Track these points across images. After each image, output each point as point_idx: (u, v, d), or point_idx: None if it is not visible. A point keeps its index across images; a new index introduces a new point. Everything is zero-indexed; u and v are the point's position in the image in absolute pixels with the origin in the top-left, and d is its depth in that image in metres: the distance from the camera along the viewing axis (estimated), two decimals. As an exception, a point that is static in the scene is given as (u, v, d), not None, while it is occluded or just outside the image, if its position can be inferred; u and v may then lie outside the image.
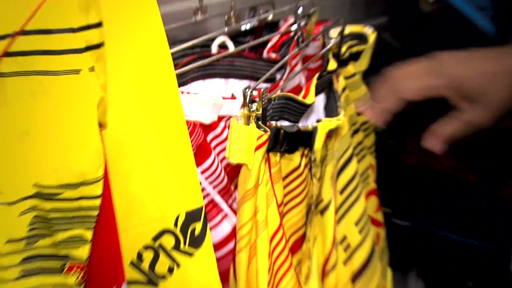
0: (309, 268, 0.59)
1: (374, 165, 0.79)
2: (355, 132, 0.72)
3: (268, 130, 0.46)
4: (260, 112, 0.45)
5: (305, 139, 0.54)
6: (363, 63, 0.70)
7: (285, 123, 0.55)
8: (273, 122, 0.52)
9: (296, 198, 0.56)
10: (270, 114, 0.52)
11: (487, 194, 0.94)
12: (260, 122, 0.46)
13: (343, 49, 0.66)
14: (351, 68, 0.68)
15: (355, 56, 0.69)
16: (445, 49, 0.58)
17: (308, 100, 0.55)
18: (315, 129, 0.54)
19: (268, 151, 0.49)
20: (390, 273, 0.80)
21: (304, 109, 0.56)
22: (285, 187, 0.54)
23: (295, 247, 0.57)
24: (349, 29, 0.69)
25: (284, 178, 0.54)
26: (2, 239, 0.37)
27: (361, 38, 0.70)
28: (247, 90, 0.45)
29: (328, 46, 0.63)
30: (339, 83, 0.66)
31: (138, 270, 0.42)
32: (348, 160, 0.65)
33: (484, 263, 0.95)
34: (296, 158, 0.54)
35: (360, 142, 0.74)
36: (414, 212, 0.99)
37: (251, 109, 0.45)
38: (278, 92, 0.52)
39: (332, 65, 0.61)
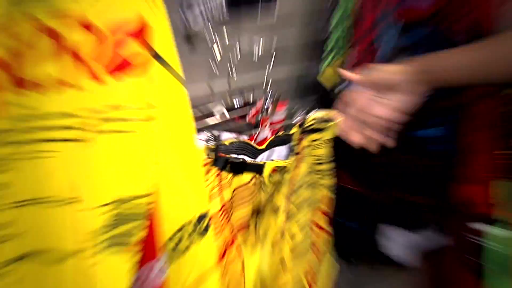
0: (253, 242, 0.90)
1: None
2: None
3: (212, 156, 0.86)
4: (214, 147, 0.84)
5: (257, 168, 0.86)
6: (326, 134, 0.92)
7: (245, 157, 0.91)
8: (233, 155, 0.89)
9: (244, 201, 0.88)
10: (230, 150, 0.89)
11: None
12: (210, 153, 0.86)
13: (308, 122, 0.93)
14: (315, 135, 0.92)
15: (320, 129, 0.93)
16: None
17: (260, 147, 0.90)
18: (264, 164, 0.86)
19: (221, 170, 0.85)
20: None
21: (258, 151, 0.91)
22: (236, 193, 0.87)
23: (241, 229, 0.89)
24: (320, 113, 0.93)
25: (236, 189, 0.87)
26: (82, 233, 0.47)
27: (326, 119, 0.93)
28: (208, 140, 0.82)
29: (294, 121, 1.01)
30: (303, 143, 0.92)
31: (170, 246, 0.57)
32: (299, 188, 0.93)
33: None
34: (245, 178, 0.87)
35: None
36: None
37: (209, 147, 0.84)
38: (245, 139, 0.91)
39: (294, 130, 0.93)
